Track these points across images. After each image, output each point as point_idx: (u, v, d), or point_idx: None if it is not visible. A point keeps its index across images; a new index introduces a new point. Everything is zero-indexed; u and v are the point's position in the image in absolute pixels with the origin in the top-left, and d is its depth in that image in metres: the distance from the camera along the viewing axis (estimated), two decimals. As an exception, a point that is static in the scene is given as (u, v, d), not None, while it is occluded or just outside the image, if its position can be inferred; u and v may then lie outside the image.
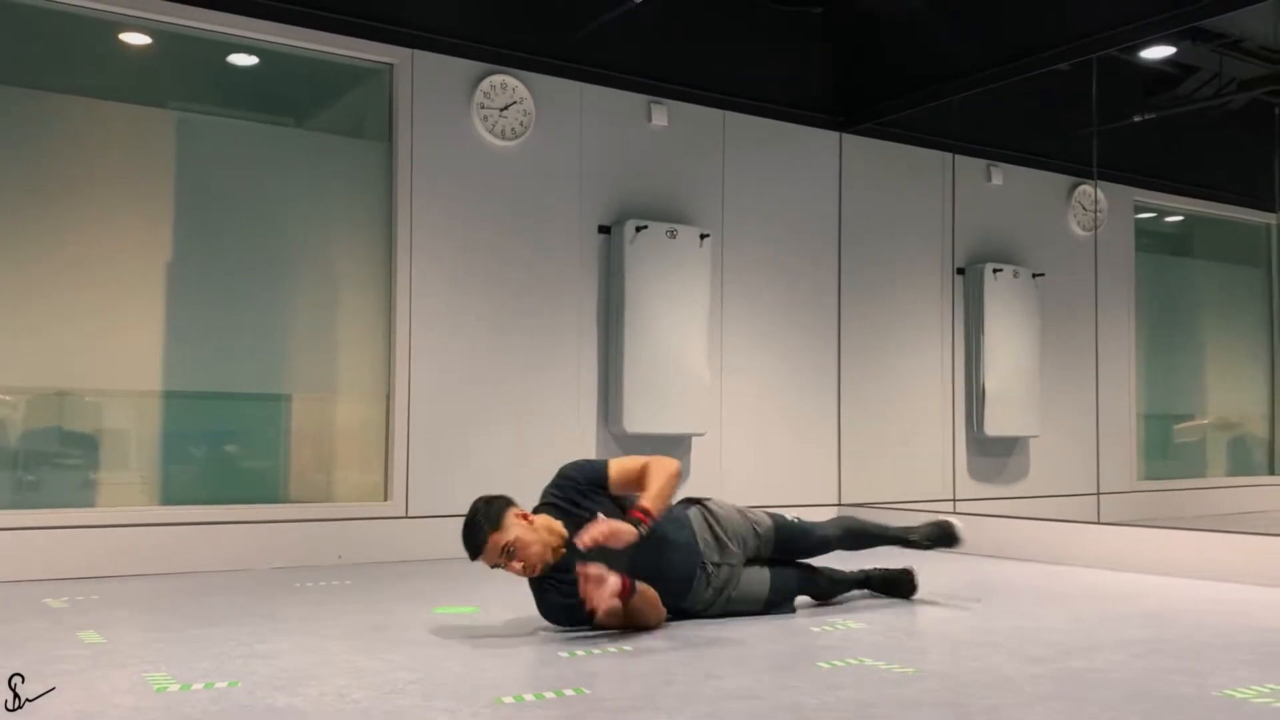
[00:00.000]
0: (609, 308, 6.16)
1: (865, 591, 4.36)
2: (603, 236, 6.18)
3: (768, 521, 3.94)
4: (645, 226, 6.12)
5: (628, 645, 3.33)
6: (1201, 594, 4.57)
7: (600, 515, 3.44)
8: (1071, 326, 6.73)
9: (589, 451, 6.00)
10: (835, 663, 3.10)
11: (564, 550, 3.47)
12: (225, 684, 2.80)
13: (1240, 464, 7.59)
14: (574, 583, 3.32)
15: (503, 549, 3.39)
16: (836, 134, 7.07)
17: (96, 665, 3.03)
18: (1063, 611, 4.07)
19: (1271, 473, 6.25)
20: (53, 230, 4.99)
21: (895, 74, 6.90)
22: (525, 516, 3.47)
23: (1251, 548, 4.87)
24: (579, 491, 3.60)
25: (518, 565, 3.41)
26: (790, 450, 6.78)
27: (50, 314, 4.96)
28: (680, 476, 3.54)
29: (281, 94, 5.74)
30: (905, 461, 7.21)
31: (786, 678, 2.92)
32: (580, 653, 3.22)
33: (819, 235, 7.00)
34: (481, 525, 3.41)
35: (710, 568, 3.74)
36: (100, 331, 5.06)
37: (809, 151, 6.97)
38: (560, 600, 3.48)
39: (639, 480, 3.53)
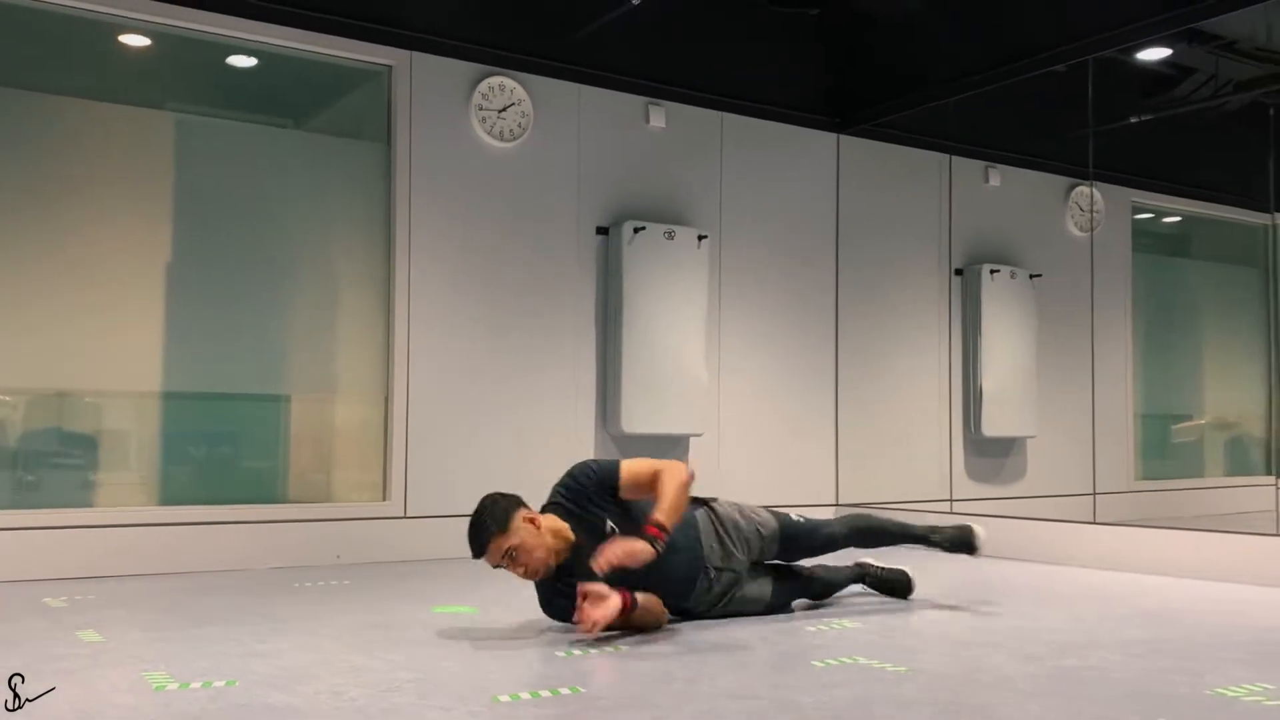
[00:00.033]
0: (607, 308, 6.18)
1: (861, 588, 4.37)
2: (601, 237, 6.20)
3: (773, 523, 3.92)
4: (643, 228, 6.13)
5: (624, 645, 3.34)
6: (1198, 594, 4.58)
7: (609, 523, 3.45)
8: (1068, 327, 6.74)
9: (587, 452, 6.02)
10: (830, 662, 3.12)
11: (569, 554, 3.47)
12: (223, 683, 2.82)
13: (1238, 464, 7.60)
14: (579, 581, 3.36)
15: (505, 552, 3.39)
16: (834, 135, 7.09)
17: (95, 664, 3.05)
18: (1059, 611, 4.09)
19: (1268, 473, 6.26)
20: (52, 232, 5.01)
21: (892, 75, 6.92)
22: (533, 520, 3.44)
23: (1248, 548, 4.89)
24: (587, 496, 3.54)
25: (519, 569, 3.42)
26: (788, 450, 6.80)
27: (50, 315, 4.98)
28: (691, 484, 3.49)
29: (280, 95, 5.76)
30: (903, 462, 7.23)
31: (782, 677, 2.93)
32: (577, 652, 3.24)
33: (817, 236, 7.02)
34: (487, 525, 3.39)
35: (714, 572, 3.74)
36: (100, 332, 5.08)
37: (806, 153, 6.99)
38: (566, 604, 3.49)
39: (650, 487, 3.47)
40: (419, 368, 5.66)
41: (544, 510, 3.56)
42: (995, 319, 7.19)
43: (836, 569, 4.25)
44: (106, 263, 5.11)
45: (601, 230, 6.20)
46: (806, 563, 4.15)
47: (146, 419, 5.23)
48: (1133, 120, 7.01)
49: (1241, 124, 6.78)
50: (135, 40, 5.30)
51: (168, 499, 5.19)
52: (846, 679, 2.89)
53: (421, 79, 5.74)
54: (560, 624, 3.60)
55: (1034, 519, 5.92)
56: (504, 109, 5.92)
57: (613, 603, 3.30)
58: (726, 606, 3.80)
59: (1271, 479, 5.75)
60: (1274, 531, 4.98)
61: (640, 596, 3.45)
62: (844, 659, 3.15)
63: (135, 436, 5.23)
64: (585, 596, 3.31)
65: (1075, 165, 6.63)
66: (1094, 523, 5.82)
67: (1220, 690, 2.78)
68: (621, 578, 3.37)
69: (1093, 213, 6.91)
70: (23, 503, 4.90)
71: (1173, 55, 6.35)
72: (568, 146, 6.13)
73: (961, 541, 4.20)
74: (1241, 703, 2.65)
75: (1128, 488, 7.18)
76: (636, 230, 6.12)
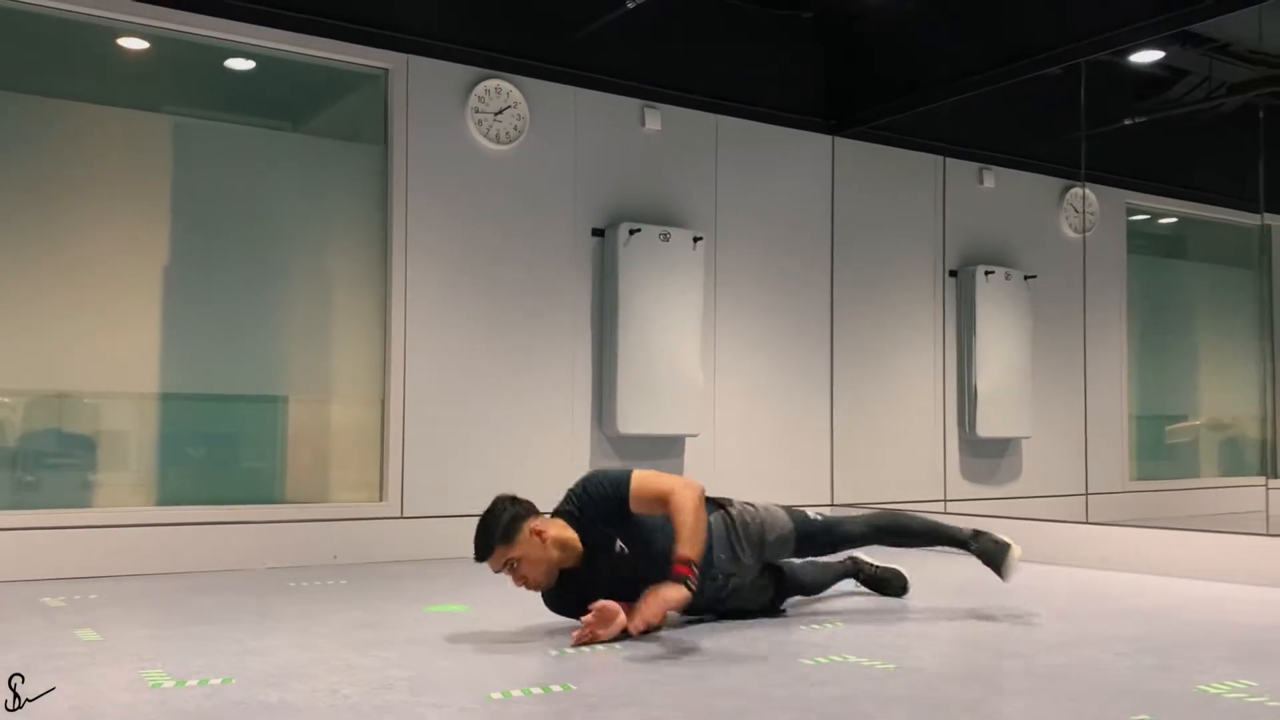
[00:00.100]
0: (603, 310, 6.21)
1: (853, 585, 4.40)
2: (596, 239, 6.23)
3: (788, 525, 3.85)
4: (639, 229, 6.17)
5: (616, 644, 3.37)
6: (1189, 593, 4.62)
7: (619, 542, 3.43)
8: (1063, 328, 6.78)
9: (583, 452, 6.06)
10: (820, 660, 3.15)
11: (576, 563, 3.47)
12: (219, 680, 2.85)
13: (1233, 465, 7.63)
14: (583, 590, 3.41)
15: (507, 562, 3.39)
16: (829, 137, 7.13)
17: (93, 662, 3.08)
18: (1050, 610, 4.12)
19: (1262, 473, 6.29)
20: (51, 234, 5.04)
21: (886, 77, 6.96)
22: (540, 532, 3.39)
23: (1239, 548, 4.92)
24: (597, 509, 3.47)
25: (519, 580, 3.43)
26: (783, 451, 6.83)
27: (49, 317, 5.01)
28: (704, 502, 3.40)
29: (277, 99, 5.80)
30: (898, 462, 7.26)
31: (770, 674, 2.97)
32: (569, 651, 3.27)
33: (812, 238, 7.05)
34: (493, 534, 3.37)
35: (720, 577, 3.70)
36: (98, 334, 5.11)
37: (801, 155, 7.03)
38: (568, 599, 3.51)
39: (660, 506, 3.38)
40: (415, 369, 5.69)
41: (555, 514, 3.51)
42: (990, 320, 7.22)
43: (828, 565, 4.26)
44: (105, 265, 5.14)
45: (597, 232, 6.24)
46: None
47: (145, 420, 5.26)
48: (1127, 122, 7.04)
49: (1235, 126, 6.81)
50: (133, 44, 5.33)
51: (166, 499, 5.23)
52: (834, 677, 2.93)
53: (418, 82, 5.78)
54: (554, 622, 3.62)
55: (1028, 519, 5.95)
56: (500, 111, 5.95)
57: (619, 622, 3.34)
58: (724, 605, 3.82)
59: (1262, 480, 5.78)
60: (1265, 531, 5.01)
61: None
62: (834, 657, 3.18)
63: (133, 437, 5.26)
64: (595, 613, 3.33)
65: (1069, 167, 6.66)
66: (1087, 523, 5.85)
67: (1204, 687, 2.81)
68: (628, 585, 3.40)
69: (1084, 214, 6.95)
70: (22, 503, 4.93)
71: (1166, 58, 6.38)
72: (564, 149, 6.16)
73: (994, 561, 3.96)
74: (1224, 699, 2.69)
75: (1123, 488, 7.21)
76: (632, 232, 6.15)
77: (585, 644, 3.32)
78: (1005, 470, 7.30)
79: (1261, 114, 5.69)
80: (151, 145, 5.31)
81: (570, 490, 3.55)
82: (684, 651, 3.26)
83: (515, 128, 5.99)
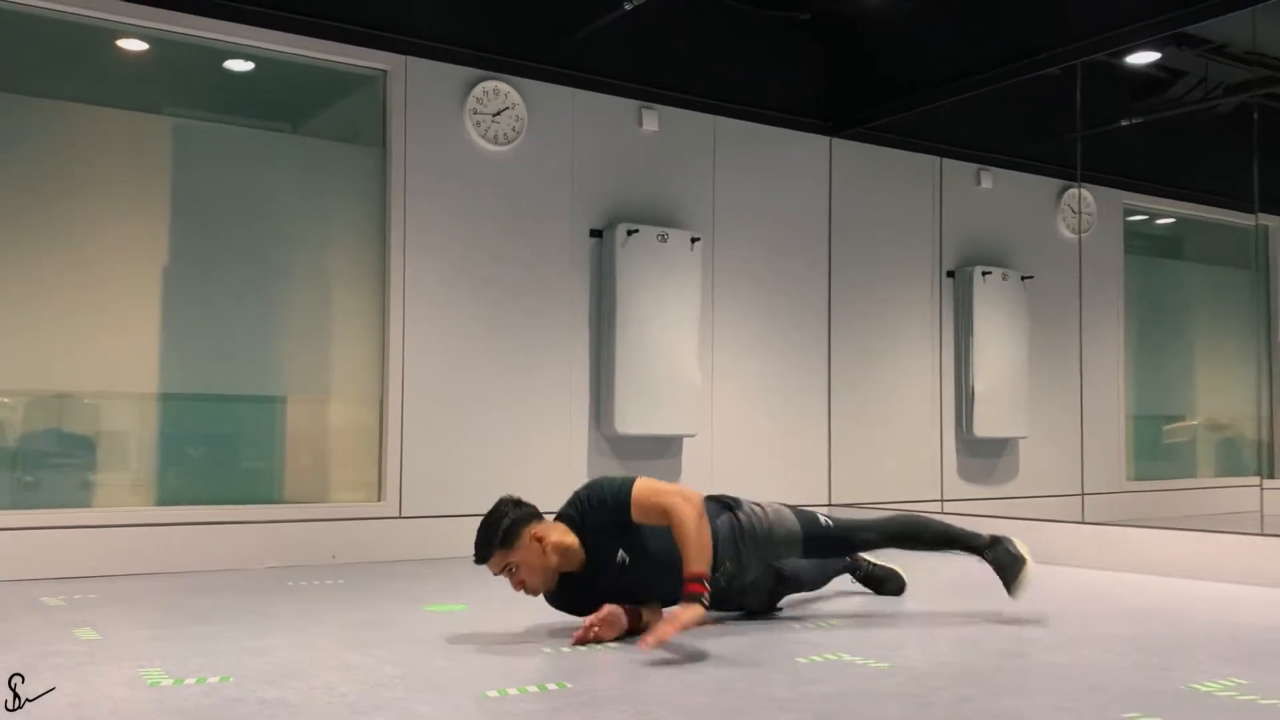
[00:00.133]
0: (600, 310, 6.23)
1: (849, 579, 4.42)
2: (594, 240, 6.25)
3: (796, 530, 3.79)
4: (636, 230, 6.19)
5: (613, 642, 3.39)
6: (1184, 592, 4.64)
7: (620, 552, 3.43)
8: (1060, 329, 6.80)
9: (580, 452, 6.08)
10: (814, 658, 3.17)
11: (576, 568, 3.46)
12: (217, 678, 2.87)
13: (1230, 465, 7.65)
14: (584, 592, 3.45)
15: (506, 566, 3.39)
16: (826, 138, 7.15)
17: (92, 660, 3.10)
18: (1044, 609, 4.13)
19: (1259, 473, 6.31)
20: (51, 235, 5.06)
21: (884, 79, 6.98)
22: (541, 538, 3.37)
23: (1234, 547, 4.94)
24: (598, 518, 3.43)
25: (516, 584, 3.43)
26: (780, 451, 6.85)
27: (49, 317, 5.04)
28: (705, 511, 3.33)
29: (276, 100, 5.82)
30: (895, 462, 7.28)
31: (764, 672, 2.99)
32: (565, 649, 3.29)
33: (809, 239, 7.07)
34: (494, 536, 3.36)
35: (723, 580, 3.66)
36: (98, 334, 5.14)
37: (799, 156, 7.05)
38: (569, 597, 3.53)
39: (661, 518, 3.33)
40: (414, 370, 5.71)
41: (558, 518, 3.49)
42: (987, 320, 7.24)
43: (825, 561, 4.25)
44: (105, 265, 5.17)
45: (595, 233, 6.26)
46: None
47: (144, 420, 5.28)
48: (1123, 123, 7.06)
49: (1231, 127, 6.83)
50: (133, 45, 5.35)
51: (165, 499, 5.25)
52: (827, 675, 2.95)
53: (416, 83, 5.80)
54: (553, 622, 3.64)
55: (1024, 519, 5.97)
56: (498, 113, 5.98)
57: (621, 625, 3.39)
58: (723, 604, 3.82)
59: (1257, 480, 5.80)
60: (1259, 531, 5.04)
61: (645, 612, 3.50)
62: (828, 655, 3.20)
63: (133, 437, 5.28)
64: (600, 617, 3.36)
65: (1066, 168, 6.68)
66: (1082, 522, 5.87)
67: (1196, 685, 2.83)
68: (628, 593, 3.43)
69: (1081, 214, 6.97)
70: (22, 503, 4.96)
71: (1163, 59, 6.41)
72: (562, 150, 6.19)
73: (1006, 574, 3.84)
74: (1215, 697, 2.71)
75: (1120, 488, 7.23)
76: (630, 233, 6.17)
77: (584, 643, 3.35)
78: (1002, 470, 7.32)
79: (1256, 115, 5.71)
80: (151, 146, 5.34)
81: (575, 494, 3.52)
82: (678, 650, 3.27)
83: (513, 129, 6.01)
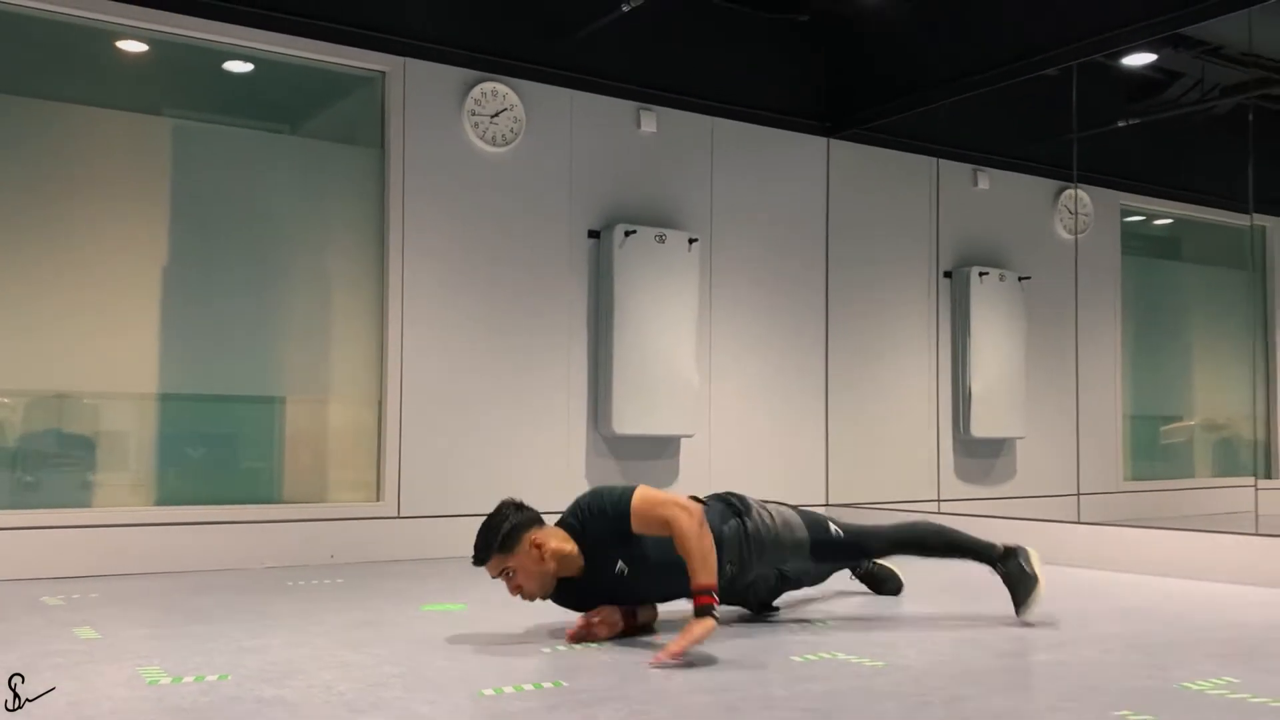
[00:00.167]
0: (598, 311, 6.25)
1: (848, 575, 4.43)
2: (592, 241, 6.27)
3: (804, 538, 3.76)
4: (634, 231, 6.21)
5: (610, 642, 3.41)
6: (1179, 591, 4.66)
7: (619, 563, 3.42)
8: (1057, 329, 6.82)
9: (579, 452, 6.10)
10: (809, 657, 3.19)
11: (578, 575, 3.45)
12: (215, 677, 2.89)
13: (1228, 465, 7.67)
14: (583, 595, 3.47)
15: (503, 570, 3.39)
16: (824, 139, 7.17)
17: (91, 659, 3.12)
18: (1041, 609, 4.14)
19: (1254, 474, 6.33)
20: (51, 236, 5.08)
21: (881, 80, 7.00)
22: (540, 545, 3.35)
23: (1228, 547, 4.96)
24: (601, 531, 3.39)
25: (513, 589, 3.42)
26: (778, 451, 6.87)
27: (49, 318, 5.06)
28: (705, 522, 3.27)
29: (276, 101, 5.84)
30: (892, 462, 7.30)
31: (759, 671, 3.01)
32: (562, 648, 3.31)
33: (807, 239, 7.09)
34: (493, 540, 3.35)
35: (724, 582, 3.56)
36: (97, 335, 5.15)
37: (796, 157, 7.07)
38: (573, 600, 3.54)
39: (663, 530, 3.28)
40: (412, 370, 5.73)
41: (559, 524, 3.47)
42: (984, 321, 7.26)
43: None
44: (104, 266, 5.19)
45: (593, 234, 6.28)
46: None
47: (144, 420, 5.30)
48: (1120, 124, 7.08)
49: (1227, 128, 6.86)
50: (133, 46, 5.37)
51: (164, 499, 5.27)
52: (823, 674, 2.97)
53: (414, 84, 5.82)
54: (551, 621, 3.66)
55: (1020, 519, 5.99)
56: (496, 114, 5.99)
57: (618, 626, 3.43)
58: (723, 602, 3.80)
59: (1251, 480, 5.82)
60: (1254, 531, 5.05)
61: (641, 612, 3.53)
62: (823, 654, 3.22)
63: (132, 437, 5.30)
64: (599, 618, 3.40)
65: (1063, 169, 6.70)
66: (1078, 522, 5.89)
67: (1187, 684, 2.85)
68: (626, 597, 3.45)
69: (1077, 215, 6.99)
70: (21, 503, 4.97)
71: (1159, 60, 6.43)
72: (560, 151, 6.20)
73: (1016, 591, 3.78)
74: (1206, 696, 2.73)
75: (1117, 488, 7.25)
76: (628, 233, 6.19)
77: (580, 641, 3.37)
78: (999, 470, 7.34)
79: (1251, 116, 5.73)
80: (150, 147, 5.35)
81: (576, 501, 3.49)
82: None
83: (511, 130, 6.03)
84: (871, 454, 7.19)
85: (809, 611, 4.03)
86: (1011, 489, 7.28)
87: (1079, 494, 6.35)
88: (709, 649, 3.28)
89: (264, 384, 5.56)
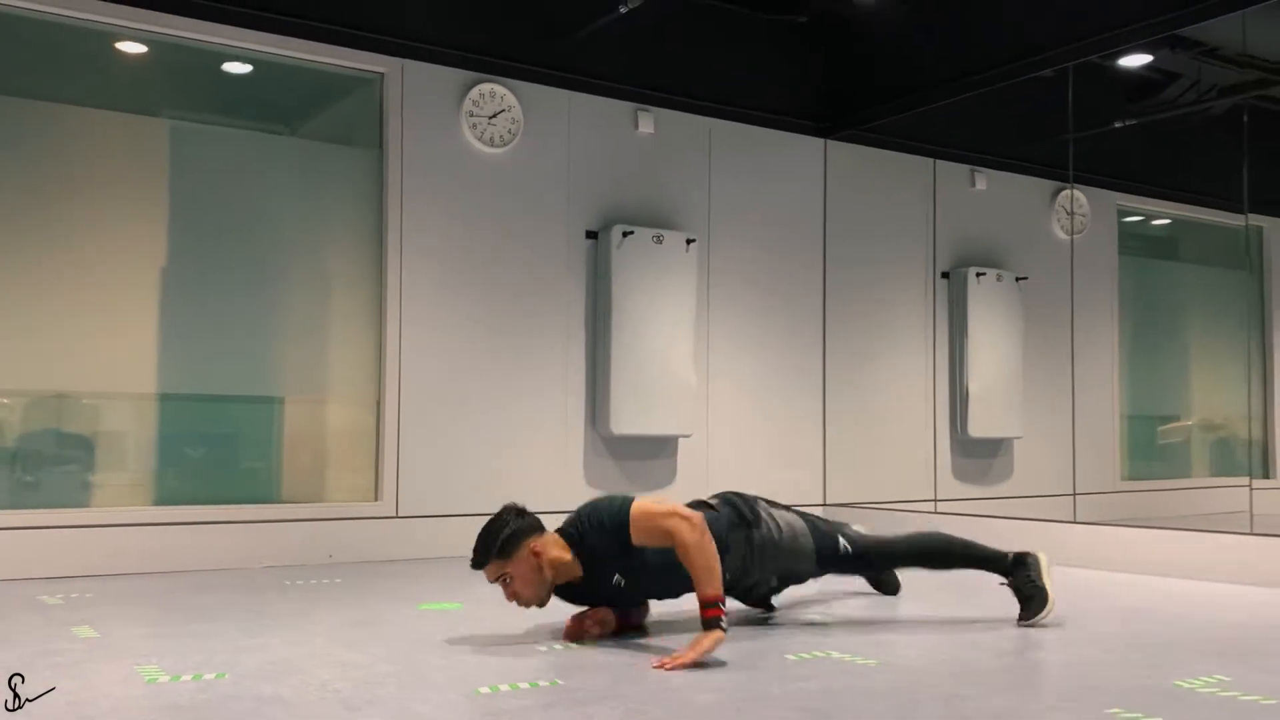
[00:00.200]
0: (596, 311, 6.27)
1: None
2: (590, 241, 6.29)
3: (811, 552, 3.71)
4: (632, 232, 6.22)
5: (606, 639, 3.43)
6: (1174, 590, 4.68)
7: (616, 575, 3.41)
8: (1054, 329, 6.84)
9: (576, 452, 6.12)
10: (804, 655, 3.21)
11: (576, 582, 3.45)
12: (213, 675, 2.91)
13: (1225, 465, 7.69)
14: (579, 600, 3.50)
15: (500, 575, 3.38)
16: (821, 140, 7.18)
17: (90, 658, 3.14)
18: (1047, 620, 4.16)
19: (1248, 474, 6.35)
20: (50, 236, 5.10)
21: (879, 81, 7.01)
22: (539, 553, 3.34)
23: (1223, 547, 4.98)
24: (599, 542, 3.37)
25: (509, 595, 3.41)
26: (776, 451, 6.88)
27: (48, 318, 5.07)
28: (706, 531, 3.23)
29: (274, 102, 5.85)
30: (890, 462, 7.32)
31: (754, 670, 3.02)
32: (558, 647, 3.33)
33: (804, 240, 7.10)
34: (493, 545, 3.34)
35: (724, 586, 3.55)
36: (97, 335, 5.17)
37: (794, 157, 7.08)
38: (572, 596, 3.56)
39: (664, 541, 3.24)
40: (411, 370, 5.75)
41: (559, 533, 3.45)
42: (981, 321, 7.28)
43: None
44: (103, 266, 5.20)
45: (591, 234, 6.29)
46: None
47: (142, 420, 5.32)
48: (1117, 125, 7.10)
49: (1223, 128, 6.88)
50: (131, 48, 5.39)
51: (163, 499, 5.28)
52: (816, 672, 2.98)
53: (413, 86, 5.83)
54: (548, 620, 3.67)
55: (1016, 518, 6.01)
56: (494, 115, 6.01)
57: (611, 626, 3.46)
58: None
59: (1246, 480, 5.83)
60: (1249, 531, 5.07)
61: (634, 613, 3.55)
62: (817, 653, 3.24)
63: (131, 437, 5.31)
64: (595, 619, 3.43)
65: (1060, 169, 6.72)
66: (1074, 522, 5.91)
67: (1180, 682, 2.87)
68: (622, 603, 3.48)
69: (1072, 215, 7.01)
70: (20, 502, 4.99)
71: (1156, 61, 6.44)
72: (558, 152, 6.22)
73: (1026, 605, 3.74)
74: (1198, 694, 2.74)
75: (1114, 488, 7.27)
76: (625, 234, 6.21)
77: (576, 639, 3.40)
78: (997, 470, 7.36)
79: (1246, 116, 5.75)
80: (149, 148, 5.37)
81: (577, 512, 3.46)
82: (672, 646, 3.30)
83: (509, 131, 6.05)
84: (869, 454, 7.21)
85: (806, 611, 4.05)
86: (1009, 489, 7.30)
87: (1074, 494, 6.36)
88: (704, 648, 3.30)
89: (263, 384, 5.58)
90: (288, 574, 5.05)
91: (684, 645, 3.09)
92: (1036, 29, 6.13)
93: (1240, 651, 3.33)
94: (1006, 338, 7.35)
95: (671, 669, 2.99)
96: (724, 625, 3.10)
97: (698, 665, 3.02)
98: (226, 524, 5.26)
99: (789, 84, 7.13)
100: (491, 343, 5.98)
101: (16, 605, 4.11)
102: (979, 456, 7.31)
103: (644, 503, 3.34)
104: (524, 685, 2.80)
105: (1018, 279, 7.32)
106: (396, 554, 5.60)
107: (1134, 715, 2.51)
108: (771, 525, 3.67)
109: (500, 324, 6.01)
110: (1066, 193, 7.13)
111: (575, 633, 3.43)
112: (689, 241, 6.42)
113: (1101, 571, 5.28)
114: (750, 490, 3.91)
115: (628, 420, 6.14)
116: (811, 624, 3.77)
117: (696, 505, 3.61)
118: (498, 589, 3.47)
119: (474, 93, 5.96)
